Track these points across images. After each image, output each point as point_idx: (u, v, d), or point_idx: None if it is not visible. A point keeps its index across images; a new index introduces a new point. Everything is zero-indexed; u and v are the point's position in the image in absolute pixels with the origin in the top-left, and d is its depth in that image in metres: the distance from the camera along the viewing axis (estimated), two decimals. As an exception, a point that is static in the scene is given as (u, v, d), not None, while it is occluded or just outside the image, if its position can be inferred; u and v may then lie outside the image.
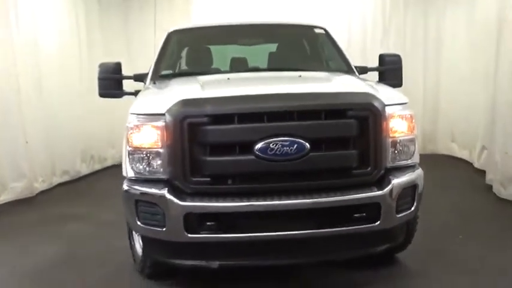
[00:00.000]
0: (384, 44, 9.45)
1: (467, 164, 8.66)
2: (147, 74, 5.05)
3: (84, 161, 8.52)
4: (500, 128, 6.45)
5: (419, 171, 3.87)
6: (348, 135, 3.58)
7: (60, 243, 5.23)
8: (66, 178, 7.99)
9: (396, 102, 3.79)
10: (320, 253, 3.73)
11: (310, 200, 3.48)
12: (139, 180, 3.70)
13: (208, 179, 3.51)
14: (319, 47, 5.41)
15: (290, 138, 3.46)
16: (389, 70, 5.08)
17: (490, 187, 6.67)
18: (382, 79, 5.01)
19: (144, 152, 3.64)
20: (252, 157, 3.47)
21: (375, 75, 5.11)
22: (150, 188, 3.60)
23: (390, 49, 8.75)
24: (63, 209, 6.51)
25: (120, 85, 5.03)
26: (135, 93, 5.06)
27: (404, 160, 3.79)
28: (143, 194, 3.61)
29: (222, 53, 5.54)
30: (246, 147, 3.48)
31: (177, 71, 5.21)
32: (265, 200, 3.47)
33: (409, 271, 4.34)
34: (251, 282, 4.08)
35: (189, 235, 3.49)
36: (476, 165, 8.10)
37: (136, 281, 4.25)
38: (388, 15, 9.64)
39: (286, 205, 3.47)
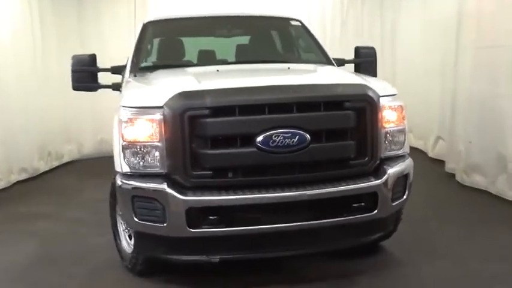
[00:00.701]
0: (343, 36, 9.58)
1: (423, 153, 8.95)
2: (125, 66, 4.92)
3: (41, 157, 8.17)
4: (461, 119, 6.69)
5: (409, 161, 3.98)
6: (346, 126, 3.63)
7: (34, 242, 5.04)
8: (24, 176, 7.63)
9: (388, 94, 3.88)
10: (319, 244, 3.77)
11: (313, 191, 3.52)
12: (135, 175, 3.60)
13: (210, 172, 3.47)
14: (296, 39, 5.43)
15: (292, 130, 3.47)
16: (365, 62, 5.20)
17: (452, 175, 6.93)
18: (358, 71, 5.11)
19: (140, 146, 3.56)
20: (254, 149, 3.45)
21: (349, 67, 5.20)
22: (148, 182, 3.52)
23: (349, 41, 8.86)
24: (28, 208, 6.23)
25: (95, 78, 4.88)
26: (113, 86, 4.93)
27: (396, 150, 3.89)
28: (141, 189, 3.53)
29: (196, 45, 5.45)
30: (248, 139, 3.46)
31: (156, 63, 5.07)
32: (269, 192, 3.47)
33: (395, 258, 4.44)
34: (243, 274, 4.06)
35: (192, 230, 3.44)
36: (430, 154, 8.41)
37: (122, 279, 4.14)
38: (346, 8, 9.78)
39: (290, 197, 3.49)
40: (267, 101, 3.47)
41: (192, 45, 5.34)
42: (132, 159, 3.58)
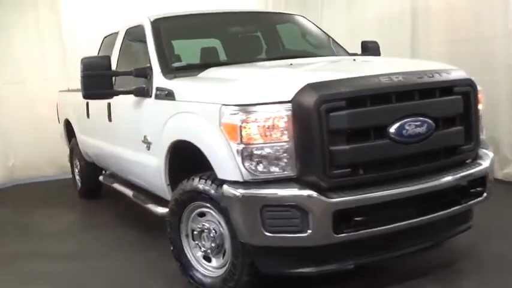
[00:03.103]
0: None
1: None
2: (147, 68, 4.31)
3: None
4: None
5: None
6: (457, 111, 3.55)
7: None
8: None
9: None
10: (436, 235, 3.64)
11: (447, 179, 3.40)
12: (258, 182, 3.14)
13: (348, 170, 3.15)
14: (309, 34, 5.22)
15: (420, 118, 3.30)
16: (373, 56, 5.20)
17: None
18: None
19: (265, 148, 3.11)
20: (388, 141, 3.22)
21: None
22: (282, 188, 3.09)
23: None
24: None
25: (110, 83, 4.21)
26: (136, 91, 4.30)
27: (482, 134, 3.91)
28: (275, 197, 3.07)
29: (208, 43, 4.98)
30: (381, 131, 3.21)
31: (191, 63, 4.53)
32: (411, 185, 3.26)
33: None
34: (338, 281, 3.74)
35: (337, 235, 3.09)
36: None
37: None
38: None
39: (429, 188, 3.32)
40: (396, 88, 3.27)
41: (206, 43, 4.86)
42: (254, 163, 3.11)
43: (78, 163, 7.06)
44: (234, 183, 3.19)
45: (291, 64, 3.92)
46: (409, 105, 3.29)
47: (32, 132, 8.55)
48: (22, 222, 6.13)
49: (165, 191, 4.17)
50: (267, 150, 3.10)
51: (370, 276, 3.84)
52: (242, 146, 3.12)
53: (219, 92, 3.42)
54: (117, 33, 5.46)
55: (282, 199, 3.07)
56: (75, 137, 6.98)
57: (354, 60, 4.16)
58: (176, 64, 4.31)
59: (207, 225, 3.64)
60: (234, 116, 3.15)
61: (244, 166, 3.12)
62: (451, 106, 3.50)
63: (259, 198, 3.09)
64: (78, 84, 7.85)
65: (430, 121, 3.32)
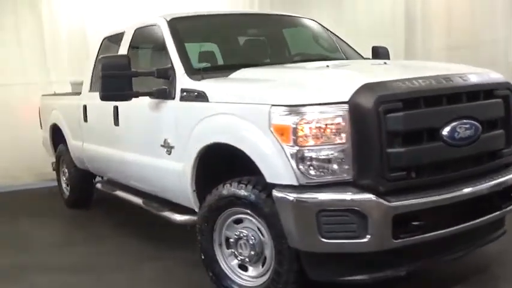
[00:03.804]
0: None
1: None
2: (168, 69, 4.12)
3: None
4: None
5: None
6: (500, 115, 3.51)
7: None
8: None
9: None
10: (479, 240, 3.59)
11: (493, 183, 3.35)
12: (312, 186, 3.00)
13: (404, 173, 3.05)
14: (328, 37, 5.13)
15: (469, 121, 3.25)
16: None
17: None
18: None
19: (321, 150, 2.98)
20: (441, 143, 3.15)
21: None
22: (340, 192, 2.97)
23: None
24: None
25: (129, 84, 4.00)
26: (157, 93, 4.11)
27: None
28: (332, 202, 2.95)
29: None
30: (434, 133, 3.14)
31: (214, 64, 4.36)
32: (464, 189, 3.20)
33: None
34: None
35: (396, 241, 2.99)
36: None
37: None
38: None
39: (480, 191, 3.27)
40: (447, 90, 3.21)
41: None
42: (310, 167, 2.98)
43: (67, 170, 6.73)
44: (285, 188, 3.04)
45: (327, 66, 3.82)
46: (459, 108, 3.24)
47: (8, 138, 8.16)
48: (14, 234, 5.78)
49: (188, 198, 3.97)
50: (323, 153, 2.97)
51: (404, 282, 3.75)
52: (296, 148, 2.98)
53: (267, 92, 3.27)
54: (121, 33, 5.23)
55: (340, 203, 2.94)
56: (63, 143, 6.67)
57: (385, 63, 4.09)
58: (199, 65, 4.12)
59: (244, 232, 3.47)
60: (287, 117, 3.02)
61: (299, 169, 2.98)
62: (494, 109, 3.47)
63: (316, 202, 2.96)
64: (61, 89, 7.78)
65: (477, 124, 3.28)
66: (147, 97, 4.21)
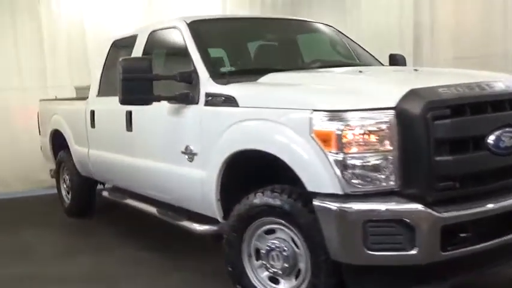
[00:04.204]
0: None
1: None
2: (191, 72, 3.96)
3: None
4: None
5: None
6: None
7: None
8: None
9: None
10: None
11: None
12: (356, 195, 2.87)
13: (451, 182, 2.93)
14: (346, 44, 5.03)
15: None
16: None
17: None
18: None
19: (367, 158, 2.85)
20: (486, 152, 3.04)
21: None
22: (387, 202, 2.84)
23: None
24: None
25: (151, 88, 3.84)
26: (179, 97, 3.95)
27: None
28: (379, 212, 2.81)
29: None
30: (479, 141, 3.03)
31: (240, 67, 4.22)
32: (508, 199, 3.08)
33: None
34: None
35: (443, 253, 2.86)
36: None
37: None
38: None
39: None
40: (492, 97, 3.11)
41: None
42: (355, 175, 2.84)
43: (68, 178, 6.51)
44: (328, 197, 2.90)
45: (360, 71, 3.70)
46: (504, 115, 3.13)
47: (2, 144, 7.92)
48: (15, 243, 5.54)
49: (210, 207, 3.81)
50: (368, 160, 2.84)
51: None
52: (341, 155, 2.85)
53: (308, 97, 3.13)
54: (133, 36, 5.07)
55: (387, 213, 2.81)
56: (64, 149, 6.46)
57: (416, 70, 3.99)
58: (224, 69, 3.98)
59: (277, 243, 3.32)
60: (330, 122, 2.88)
61: (343, 177, 2.85)
62: None
63: (362, 212, 2.82)
64: (59, 93, 7.56)
65: None
66: (165, 102, 4.05)
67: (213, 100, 3.73)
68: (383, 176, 2.85)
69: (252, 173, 3.53)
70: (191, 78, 3.93)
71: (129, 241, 5.36)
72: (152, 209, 4.68)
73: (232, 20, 4.70)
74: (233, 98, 3.54)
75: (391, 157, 2.85)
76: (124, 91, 3.81)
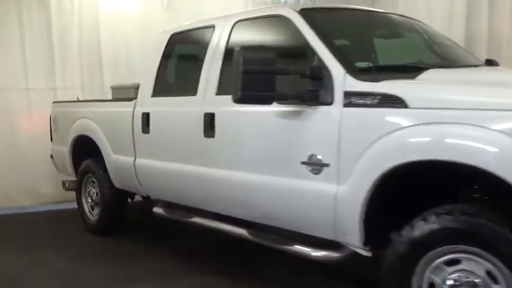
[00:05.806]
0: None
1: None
2: (323, 68, 3.31)
3: None
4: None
5: None
6: None
7: None
8: None
9: None
10: None
11: None
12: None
13: None
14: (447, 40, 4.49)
15: None
16: None
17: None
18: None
19: None
20: None
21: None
22: None
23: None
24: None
25: (274, 84, 3.18)
26: (307, 94, 3.32)
27: None
28: None
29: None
30: None
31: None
32: None
33: None
34: None
35: None
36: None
37: None
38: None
39: None
40: None
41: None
42: None
43: (95, 191, 5.66)
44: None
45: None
46: None
47: (2, 152, 6.96)
48: (42, 274, 4.62)
49: (345, 229, 3.15)
50: None
51: None
52: None
53: None
54: (206, 27, 4.38)
55: None
56: (90, 158, 5.64)
57: None
58: (363, 64, 3.34)
59: (463, 275, 2.69)
60: None
61: None
62: None
63: None
64: (68, 96, 6.71)
65: None
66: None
67: (359, 100, 3.08)
68: None
69: (403, 188, 2.95)
70: (323, 75, 3.27)
71: (189, 263, 4.62)
72: (240, 231, 3.95)
73: (342, 10, 4.06)
74: (399, 98, 2.90)
75: None
76: (245, 86, 3.12)
